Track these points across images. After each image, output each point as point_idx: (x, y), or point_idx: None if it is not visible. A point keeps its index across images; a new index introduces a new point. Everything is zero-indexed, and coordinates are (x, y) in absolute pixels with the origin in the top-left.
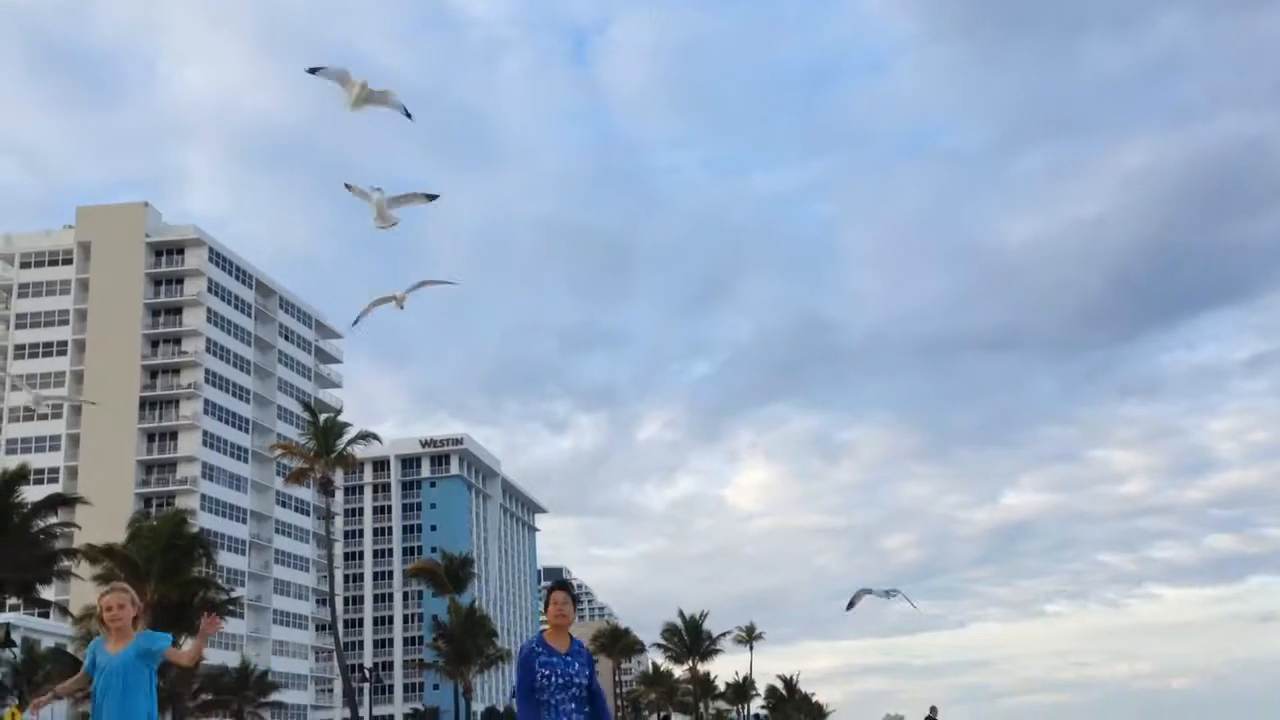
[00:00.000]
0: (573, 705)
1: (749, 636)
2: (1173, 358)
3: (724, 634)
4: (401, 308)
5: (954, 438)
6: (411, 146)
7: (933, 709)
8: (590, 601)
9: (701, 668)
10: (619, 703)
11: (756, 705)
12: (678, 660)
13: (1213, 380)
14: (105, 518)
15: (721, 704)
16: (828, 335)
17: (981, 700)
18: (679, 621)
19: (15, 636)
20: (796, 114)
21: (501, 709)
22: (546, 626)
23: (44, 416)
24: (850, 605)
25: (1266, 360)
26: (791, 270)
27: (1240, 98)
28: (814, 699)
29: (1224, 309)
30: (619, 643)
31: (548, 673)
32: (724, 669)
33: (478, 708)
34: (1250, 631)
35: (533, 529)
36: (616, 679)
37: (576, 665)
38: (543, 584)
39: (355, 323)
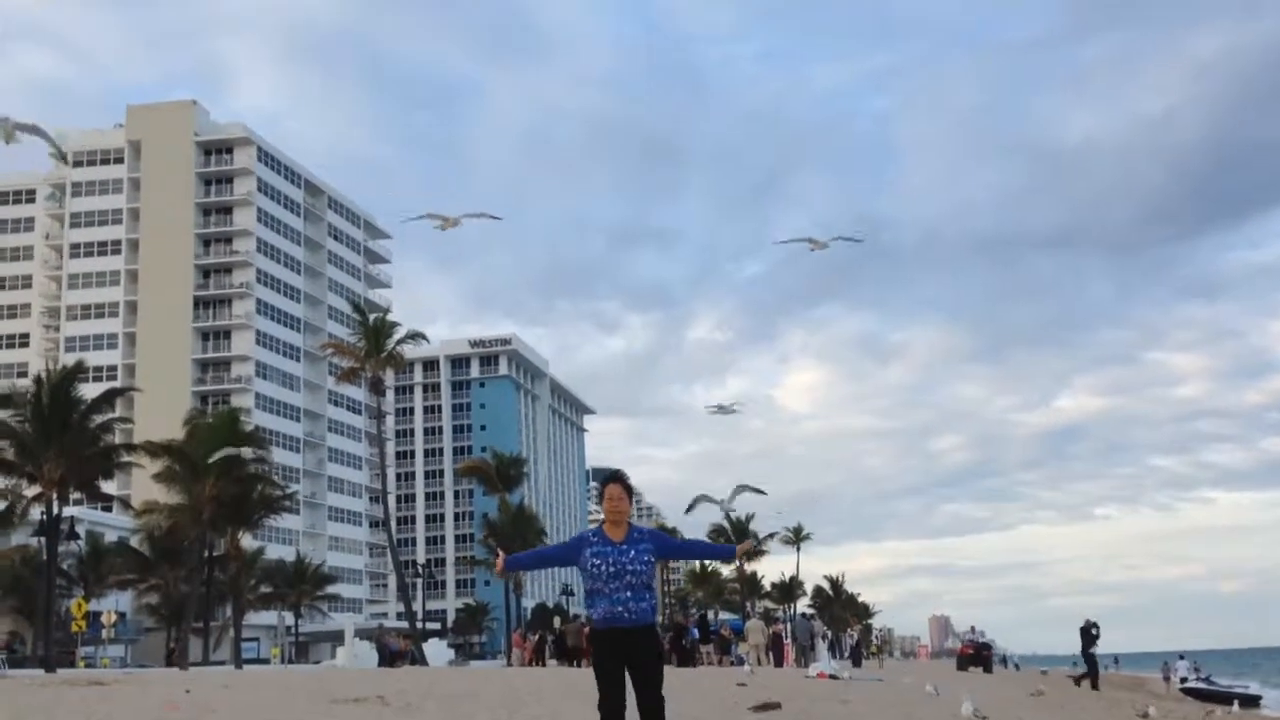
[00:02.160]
0: (628, 593)
1: (796, 537)
2: (1235, 256)
3: (771, 535)
4: (447, 227)
5: (1008, 339)
6: (458, 41)
7: (1088, 621)
8: (638, 501)
9: (748, 567)
10: (667, 600)
11: (803, 604)
12: (725, 560)
13: (1276, 279)
14: (163, 415)
15: (768, 603)
16: (882, 233)
17: (1029, 601)
18: (725, 523)
19: (79, 530)
20: (853, 4)
21: (551, 605)
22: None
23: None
24: (689, 509)
25: None
26: (846, 166)
27: None
28: (860, 599)
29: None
30: None
31: (599, 562)
32: (771, 569)
33: (528, 603)
34: None
35: (581, 429)
36: (665, 578)
37: (632, 553)
38: (591, 484)
39: (404, 221)
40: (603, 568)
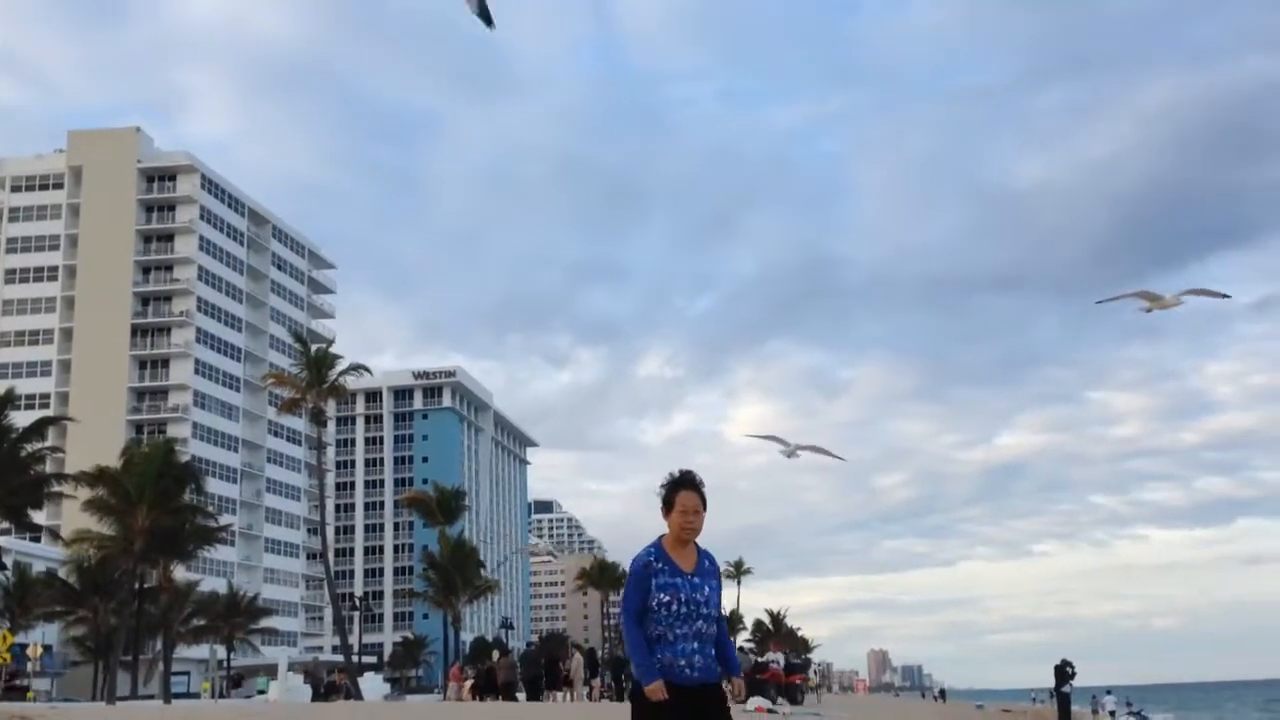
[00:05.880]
0: (696, 643)
1: (736, 571)
2: None
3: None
4: (790, 455)
5: (953, 377)
6: (422, 74)
7: (1063, 660)
8: (580, 535)
9: None
10: (605, 635)
11: (742, 638)
12: None
13: (1216, 323)
14: (96, 444)
15: None
16: (833, 271)
17: (967, 637)
18: None
19: (6, 560)
20: (813, 47)
21: (490, 638)
22: (666, 535)
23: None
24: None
25: (1272, 303)
26: (800, 205)
27: (1264, 38)
28: (800, 633)
29: (1232, 251)
30: (605, 575)
31: (668, 598)
32: None
33: (466, 637)
34: (1235, 573)
35: (524, 462)
36: (604, 611)
37: (707, 589)
38: (533, 516)
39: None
40: (673, 606)
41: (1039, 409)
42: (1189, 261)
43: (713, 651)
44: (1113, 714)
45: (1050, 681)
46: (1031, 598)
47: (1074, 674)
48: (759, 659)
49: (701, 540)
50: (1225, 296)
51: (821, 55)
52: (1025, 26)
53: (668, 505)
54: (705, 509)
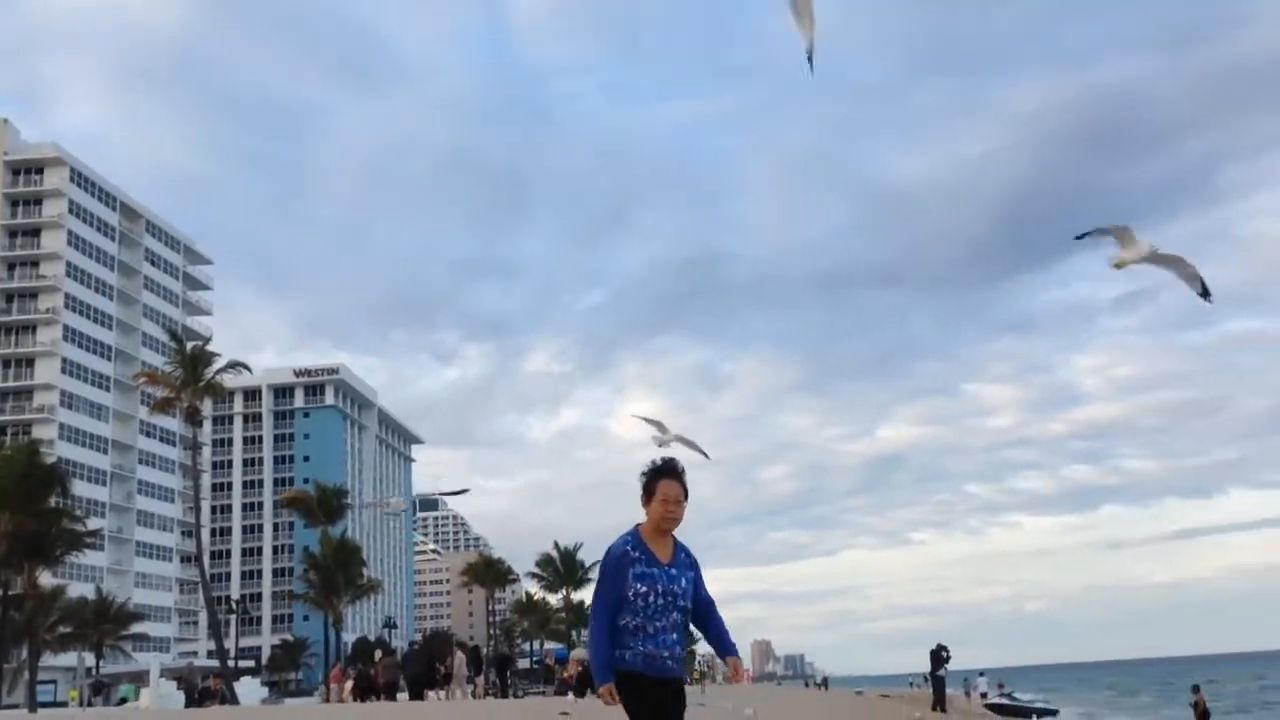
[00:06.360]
0: (674, 635)
1: None
2: (1046, 295)
3: (597, 562)
4: (662, 445)
5: (835, 371)
6: (304, 64)
7: (938, 645)
8: (466, 532)
9: (575, 596)
10: (490, 632)
11: None
12: (552, 589)
13: (1082, 318)
14: None
15: None
16: (721, 267)
17: (848, 625)
18: (554, 552)
19: None
20: (702, 43)
21: (373, 639)
22: (643, 523)
23: None
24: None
25: (1134, 299)
26: (689, 201)
27: (1132, 43)
28: None
29: (1097, 249)
30: (491, 572)
31: (644, 588)
32: None
33: (348, 638)
34: (1100, 558)
35: (409, 459)
36: (490, 608)
37: (683, 581)
38: (418, 514)
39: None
40: (650, 597)
41: (917, 401)
42: (1057, 258)
43: (684, 644)
44: (984, 695)
45: (927, 666)
46: (909, 585)
47: (949, 658)
48: None
49: (591, 534)
50: (1206, 298)
51: (710, 51)
52: (904, 26)
53: (648, 494)
54: (687, 499)
